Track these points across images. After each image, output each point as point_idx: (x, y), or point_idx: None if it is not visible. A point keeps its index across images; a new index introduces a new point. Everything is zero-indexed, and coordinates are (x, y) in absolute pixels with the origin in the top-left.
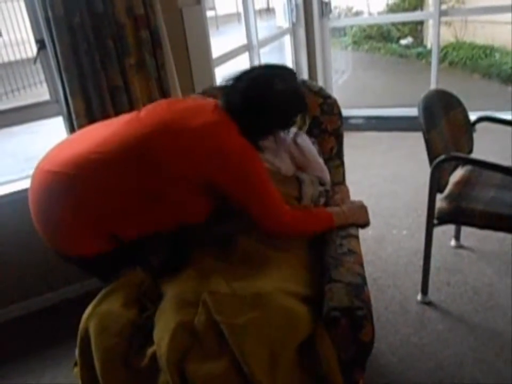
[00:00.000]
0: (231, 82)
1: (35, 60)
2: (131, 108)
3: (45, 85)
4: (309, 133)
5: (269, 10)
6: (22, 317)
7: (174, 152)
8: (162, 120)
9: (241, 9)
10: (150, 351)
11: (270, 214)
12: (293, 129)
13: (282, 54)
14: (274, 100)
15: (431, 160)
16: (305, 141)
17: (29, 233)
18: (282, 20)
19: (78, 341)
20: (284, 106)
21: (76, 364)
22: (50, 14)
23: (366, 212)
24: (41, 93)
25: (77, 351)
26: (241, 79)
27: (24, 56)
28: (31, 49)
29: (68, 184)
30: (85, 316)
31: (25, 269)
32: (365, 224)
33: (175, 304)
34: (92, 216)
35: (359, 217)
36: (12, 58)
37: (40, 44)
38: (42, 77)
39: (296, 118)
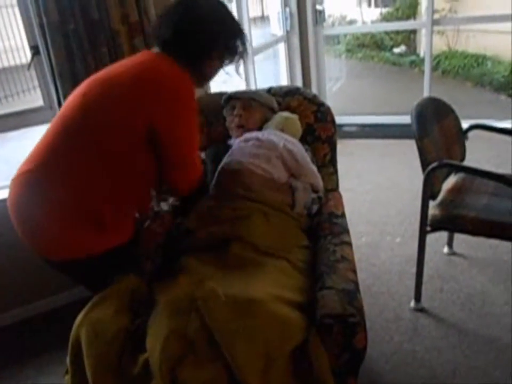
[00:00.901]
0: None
1: (29, 65)
2: None
3: (38, 90)
4: (303, 140)
5: (263, 18)
6: (14, 324)
7: (113, 98)
8: (99, 80)
9: (235, 17)
10: (142, 358)
11: (190, 159)
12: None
13: (277, 62)
14: (199, 20)
15: (424, 167)
16: (298, 148)
17: (19, 240)
18: (276, 27)
19: (69, 348)
20: (211, 25)
21: (67, 372)
22: (44, 20)
23: None
24: (35, 99)
25: (68, 359)
26: (164, 13)
27: (18, 62)
28: (25, 55)
29: (34, 181)
30: (76, 323)
31: (16, 276)
32: None
33: (168, 311)
34: (68, 205)
35: None
36: (6, 64)
37: (34, 50)
38: (36, 83)
39: (236, 43)
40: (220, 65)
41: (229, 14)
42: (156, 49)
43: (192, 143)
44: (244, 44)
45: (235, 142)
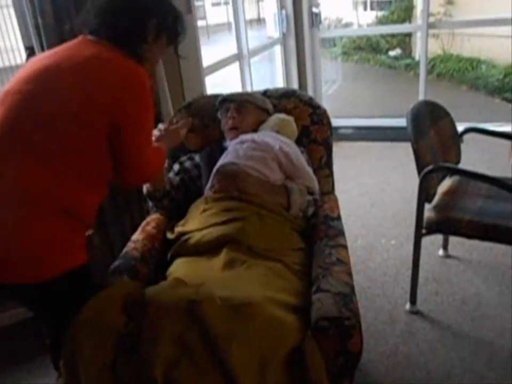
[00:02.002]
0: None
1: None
2: None
3: None
4: (299, 142)
5: (259, 21)
6: (7, 326)
7: (68, 90)
8: (41, 69)
9: (232, 19)
10: (137, 362)
11: (145, 154)
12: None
13: (273, 64)
14: (126, 3)
15: (419, 170)
16: (294, 150)
17: None
18: (272, 30)
19: (63, 351)
20: (138, 8)
21: (60, 375)
22: (40, 21)
23: (179, 134)
24: None
25: (61, 362)
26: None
27: (13, 63)
28: (20, 56)
29: None
30: (70, 326)
31: None
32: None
33: (163, 314)
34: (38, 202)
35: (172, 141)
36: (0, 65)
37: (30, 51)
38: None
39: (171, 23)
40: (160, 49)
41: None
42: (90, 37)
43: (149, 132)
44: (179, 23)
45: (230, 144)
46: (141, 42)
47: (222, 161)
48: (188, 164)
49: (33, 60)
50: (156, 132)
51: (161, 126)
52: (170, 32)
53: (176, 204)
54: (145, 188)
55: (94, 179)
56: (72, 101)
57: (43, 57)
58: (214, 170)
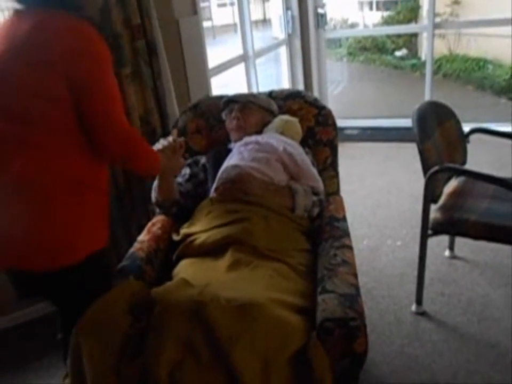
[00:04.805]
0: None
1: None
2: (127, 117)
3: None
4: (304, 143)
5: (265, 21)
6: (14, 327)
7: (19, 73)
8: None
9: (237, 20)
10: (142, 363)
11: (114, 115)
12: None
13: (278, 65)
14: None
15: (425, 171)
16: (298, 151)
17: None
18: (278, 31)
19: (70, 352)
20: None
21: (67, 376)
22: None
23: (179, 163)
24: None
25: (68, 362)
26: None
27: None
28: None
29: None
30: (76, 326)
31: None
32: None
33: (168, 315)
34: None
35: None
36: None
37: None
38: None
39: None
40: None
41: None
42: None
43: (114, 94)
44: None
45: (235, 146)
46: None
47: (226, 163)
48: (195, 169)
49: None
50: (157, 145)
51: (163, 141)
52: None
53: (184, 211)
54: (153, 197)
55: (86, 147)
56: (27, 84)
57: None
58: (219, 172)
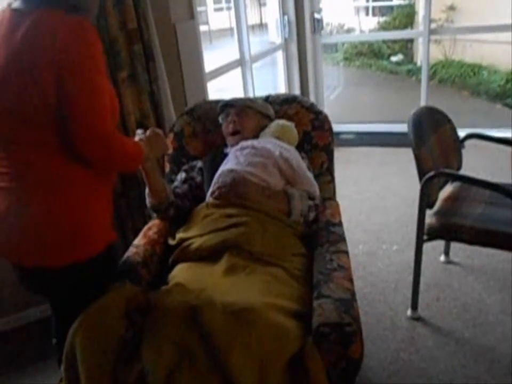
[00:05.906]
0: None
1: None
2: (123, 121)
3: None
4: (300, 148)
5: (261, 26)
6: (9, 331)
7: (16, 75)
8: None
9: (234, 25)
10: (138, 367)
11: (96, 115)
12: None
13: (275, 69)
14: None
15: (420, 176)
16: (294, 155)
17: None
18: (274, 35)
19: (64, 356)
20: None
21: (61, 380)
22: None
23: (164, 141)
24: None
25: (62, 367)
26: None
27: None
28: None
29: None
30: (71, 330)
31: (10, 282)
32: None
33: (164, 320)
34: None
35: (159, 149)
36: None
37: None
38: None
39: None
40: None
41: None
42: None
43: (98, 89)
44: None
45: (231, 151)
46: None
47: (222, 167)
48: (192, 173)
49: None
50: (136, 138)
51: (139, 131)
52: None
53: (182, 212)
54: (148, 202)
55: None
56: (21, 91)
57: None
58: (215, 177)
